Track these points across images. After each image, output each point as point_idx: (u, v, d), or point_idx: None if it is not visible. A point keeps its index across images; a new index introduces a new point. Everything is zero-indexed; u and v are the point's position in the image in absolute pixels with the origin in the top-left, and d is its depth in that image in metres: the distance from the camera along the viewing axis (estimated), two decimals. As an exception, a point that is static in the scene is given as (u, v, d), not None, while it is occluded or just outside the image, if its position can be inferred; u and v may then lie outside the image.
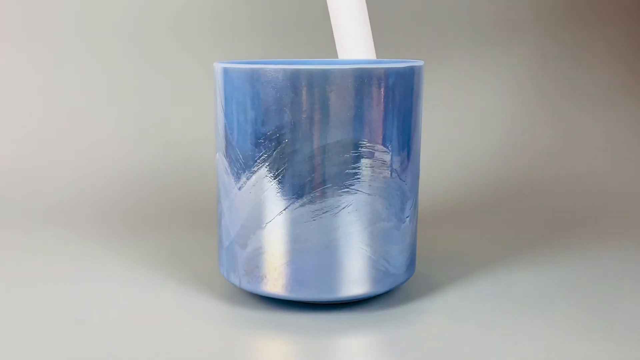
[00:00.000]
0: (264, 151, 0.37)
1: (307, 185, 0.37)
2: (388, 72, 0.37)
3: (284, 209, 0.37)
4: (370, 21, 0.76)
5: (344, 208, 0.37)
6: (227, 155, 0.39)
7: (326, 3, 0.74)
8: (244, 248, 0.39)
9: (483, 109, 0.75)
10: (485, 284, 0.44)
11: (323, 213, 0.37)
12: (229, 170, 0.39)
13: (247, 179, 0.38)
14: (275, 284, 0.38)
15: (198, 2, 0.73)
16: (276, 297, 0.39)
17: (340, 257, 0.37)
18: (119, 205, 0.61)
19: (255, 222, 0.38)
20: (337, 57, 0.52)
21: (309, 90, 0.36)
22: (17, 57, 0.72)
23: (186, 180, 0.66)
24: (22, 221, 0.57)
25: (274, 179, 0.37)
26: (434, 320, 0.39)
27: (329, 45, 0.74)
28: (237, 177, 0.38)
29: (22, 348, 0.36)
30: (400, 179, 0.38)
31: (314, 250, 0.37)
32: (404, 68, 0.37)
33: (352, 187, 0.37)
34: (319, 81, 0.36)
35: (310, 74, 0.36)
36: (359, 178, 0.37)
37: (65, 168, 0.67)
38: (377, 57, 0.72)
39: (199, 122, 0.71)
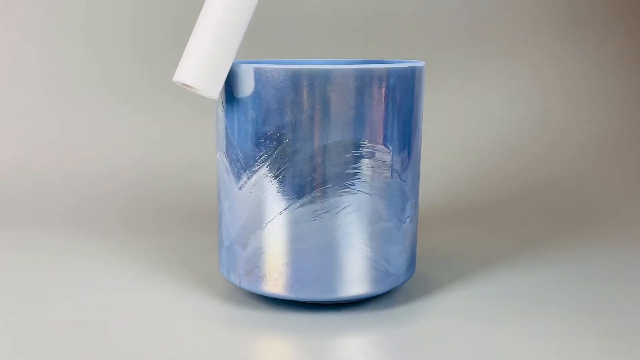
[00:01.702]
0: (264, 151, 0.37)
1: (307, 185, 0.37)
2: (389, 73, 0.37)
3: (285, 209, 0.37)
4: (370, 21, 0.76)
5: (344, 208, 0.37)
6: (228, 154, 0.39)
7: (320, 5, 0.74)
8: (244, 248, 0.39)
9: (483, 109, 0.75)
10: (485, 284, 0.44)
11: (323, 213, 0.37)
12: (229, 170, 0.39)
13: (248, 178, 0.38)
14: (275, 284, 0.38)
15: (199, 2, 0.73)
16: (276, 297, 0.39)
17: (341, 257, 0.37)
18: (119, 205, 0.61)
19: (256, 222, 0.38)
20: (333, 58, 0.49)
21: (309, 90, 0.36)
22: (17, 56, 0.72)
23: (186, 180, 0.66)
24: (22, 221, 0.57)
25: (275, 178, 0.37)
26: (434, 320, 0.39)
27: (330, 46, 0.74)
28: (238, 176, 0.38)
29: (22, 348, 0.36)
30: (401, 179, 0.38)
31: (314, 250, 0.37)
32: (404, 68, 0.37)
33: (353, 187, 0.37)
34: (320, 81, 0.36)
35: (311, 74, 0.36)
36: (359, 178, 0.37)
37: (64, 168, 0.67)
38: (379, 57, 0.72)
39: (199, 122, 0.71)
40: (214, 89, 0.37)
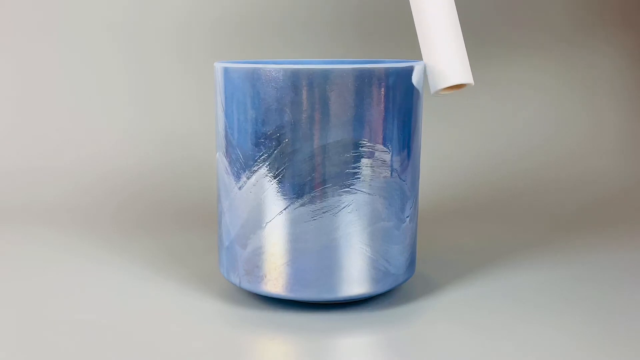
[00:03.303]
0: (264, 151, 0.37)
1: (307, 185, 0.37)
2: (388, 72, 0.37)
3: (284, 209, 0.37)
4: (370, 21, 0.76)
5: (344, 208, 0.37)
6: (228, 154, 0.39)
7: (330, 5, 0.74)
8: (244, 248, 0.39)
9: (483, 109, 0.75)
10: (485, 284, 0.44)
11: (323, 213, 0.37)
12: (229, 170, 0.39)
13: (247, 178, 0.38)
14: (275, 284, 0.38)
15: (199, 1, 0.73)
16: (276, 297, 0.39)
17: (341, 257, 0.37)
18: (118, 205, 0.61)
19: (256, 222, 0.38)
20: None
21: (309, 89, 0.36)
22: (16, 56, 0.72)
23: (186, 180, 0.66)
24: (22, 221, 0.57)
25: (274, 178, 0.37)
26: (434, 320, 0.39)
27: (330, 45, 0.74)
28: (237, 176, 0.38)
29: (22, 348, 0.36)
30: (401, 178, 0.38)
31: (314, 250, 0.37)
32: (404, 68, 0.37)
33: (352, 187, 0.37)
34: (320, 81, 0.36)
35: (311, 73, 0.36)
36: (359, 178, 0.37)
37: (64, 168, 0.67)
38: (379, 57, 0.72)
39: (199, 122, 0.71)
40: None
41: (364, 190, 0.37)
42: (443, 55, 0.39)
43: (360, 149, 0.37)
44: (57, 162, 0.68)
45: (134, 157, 0.69)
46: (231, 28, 0.73)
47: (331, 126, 0.36)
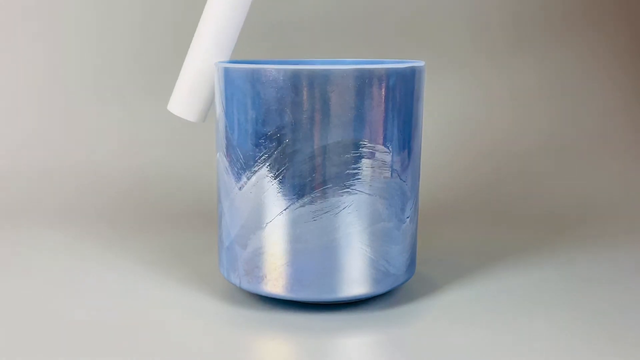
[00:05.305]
0: (264, 151, 0.37)
1: (307, 185, 0.37)
2: (389, 73, 0.37)
3: (285, 209, 0.37)
4: (370, 21, 0.76)
5: (344, 208, 0.37)
6: (228, 155, 0.39)
7: (330, 5, 0.74)
8: (244, 248, 0.39)
9: (483, 109, 0.75)
10: (485, 284, 0.44)
11: (323, 213, 0.37)
12: (229, 170, 0.39)
13: (248, 179, 0.38)
14: (275, 284, 0.38)
15: (199, 1, 0.73)
16: (276, 297, 0.39)
17: (341, 258, 0.38)
18: (118, 205, 0.61)
19: (256, 222, 0.38)
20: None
21: (309, 90, 0.36)
22: (17, 56, 0.72)
23: (186, 180, 0.66)
24: (22, 221, 0.57)
25: (275, 179, 0.37)
26: (434, 320, 0.39)
27: (330, 46, 0.74)
28: (238, 177, 0.38)
29: (22, 347, 0.36)
30: (401, 179, 0.38)
31: (314, 251, 0.37)
32: (404, 68, 0.37)
33: (353, 188, 0.37)
34: (320, 81, 0.36)
35: (311, 74, 0.36)
36: (359, 178, 0.37)
37: (65, 168, 0.67)
38: (379, 57, 0.72)
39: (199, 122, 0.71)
40: (200, 116, 0.44)
41: (364, 190, 0.37)
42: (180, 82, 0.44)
43: (360, 149, 0.37)
44: (56, 163, 0.68)
45: (134, 157, 0.69)
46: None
47: (331, 127, 0.36)
